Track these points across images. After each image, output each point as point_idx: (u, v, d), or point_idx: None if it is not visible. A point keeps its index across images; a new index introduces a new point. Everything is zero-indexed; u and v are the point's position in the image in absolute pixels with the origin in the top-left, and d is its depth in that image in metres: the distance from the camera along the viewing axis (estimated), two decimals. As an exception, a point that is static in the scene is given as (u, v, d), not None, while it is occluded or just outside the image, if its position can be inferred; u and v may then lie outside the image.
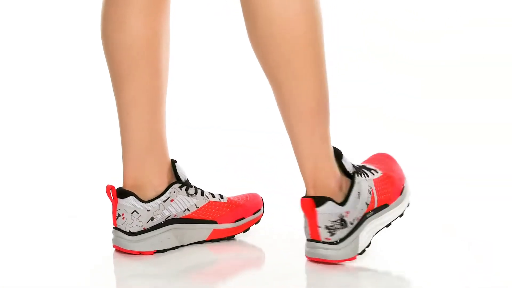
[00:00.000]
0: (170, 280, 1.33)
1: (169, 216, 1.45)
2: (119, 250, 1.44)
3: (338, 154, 1.39)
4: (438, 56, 2.69)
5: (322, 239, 1.36)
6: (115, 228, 1.45)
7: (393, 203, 1.42)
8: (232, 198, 1.52)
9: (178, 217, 1.46)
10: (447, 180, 2.06)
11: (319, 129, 1.36)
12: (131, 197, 1.43)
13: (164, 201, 1.45)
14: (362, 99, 2.63)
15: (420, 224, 1.62)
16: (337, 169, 1.38)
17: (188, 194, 1.47)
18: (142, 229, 1.43)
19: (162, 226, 1.44)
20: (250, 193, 1.55)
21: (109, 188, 1.44)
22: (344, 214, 1.36)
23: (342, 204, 1.36)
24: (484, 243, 1.49)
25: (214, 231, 1.48)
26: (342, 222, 1.36)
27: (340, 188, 1.38)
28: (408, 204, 1.45)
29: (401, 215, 1.44)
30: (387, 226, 1.42)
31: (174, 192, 1.45)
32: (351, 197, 1.37)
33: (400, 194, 1.44)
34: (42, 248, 1.51)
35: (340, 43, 2.69)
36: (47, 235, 1.59)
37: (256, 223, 1.53)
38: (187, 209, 1.47)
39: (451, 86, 2.64)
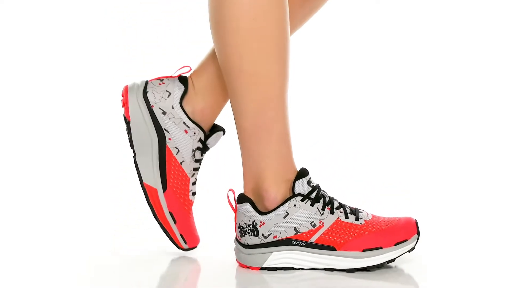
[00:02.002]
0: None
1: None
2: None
3: (301, 174, 1.31)
4: (438, 56, 2.68)
5: (237, 236, 1.33)
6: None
7: (347, 252, 1.28)
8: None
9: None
10: (447, 180, 2.06)
11: (268, 146, 1.30)
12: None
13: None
14: (362, 99, 2.63)
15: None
16: (283, 185, 1.31)
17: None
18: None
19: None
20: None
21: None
22: (258, 222, 1.30)
23: (260, 213, 1.30)
24: (484, 243, 1.49)
25: None
26: (253, 230, 1.30)
27: (275, 204, 1.31)
28: (372, 268, 1.29)
29: (352, 270, 1.29)
30: (347, 271, 1.30)
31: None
32: (274, 212, 1.29)
33: (370, 253, 1.29)
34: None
35: (339, 43, 2.69)
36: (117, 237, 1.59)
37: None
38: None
39: (451, 86, 2.63)
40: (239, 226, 1.32)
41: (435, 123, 2.51)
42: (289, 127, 1.32)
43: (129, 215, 1.75)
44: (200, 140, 1.37)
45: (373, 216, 1.32)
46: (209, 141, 1.41)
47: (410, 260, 1.34)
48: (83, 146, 2.40)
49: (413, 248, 1.30)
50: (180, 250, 1.41)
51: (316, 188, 1.31)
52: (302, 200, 1.30)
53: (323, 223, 1.29)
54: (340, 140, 2.45)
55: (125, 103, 1.38)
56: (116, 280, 1.30)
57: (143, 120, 1.36)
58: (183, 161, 1.37)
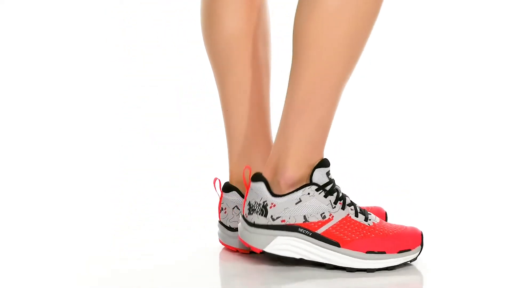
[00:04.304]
0: (272, 283, 1.29)
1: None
2: (222, 244, 1.44)
3: (322, 163, 1.33)
4: (437, 56, 2.69)
5: (244, 213, 1.34)
6: (219, 221, 1.44)
7: (351, 251, 1.30)
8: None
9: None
10: (447, 180, 2.06)
11: (304, 127, 1.32)
12: (234, 192, 1.41)
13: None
14: (361, 99, 2.63)
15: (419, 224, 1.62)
16: (303, 169, 1.32)
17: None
18: None
19: None
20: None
21: (215, 181, 1.43)
22: (269, 203, 1.31)
23: (273, 194, 1.31)
24: (484, 244, 1.49)
25: None
26: (263, 210, 1.31)
27: (290, 185, 1.32)
28: (372, 271, 1.31)
29: (352, 270, 1.31)
30: (347, 270, 1.31)
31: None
32: (287, 196, 1.30)
33: (373, 256, 1.31)
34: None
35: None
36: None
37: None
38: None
39: (450, 86, 2.63)
40: (249, 204, 1.32)
41: (435, 123, 2.51)
42: (333, 117, 1.33)
43: (130, 216, 1.75)
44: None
45: (381, 221, 1.34)
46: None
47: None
48: (84, 146, 2.40)
49: (414, 259, 1.32)
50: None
51: (332, 181, 1.32)
52: (316, 190, 1.31)
53: (333, 216, 1.31)
54: (340, 139, 2.45)
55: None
56: (116, 280, 1.30)
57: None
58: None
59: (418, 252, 1.32)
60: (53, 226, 1.67)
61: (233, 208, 1.41)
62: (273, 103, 1.47)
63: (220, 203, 1.43)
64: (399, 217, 1.58)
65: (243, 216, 1.34)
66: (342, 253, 1.30)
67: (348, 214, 1.32)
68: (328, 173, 1.33)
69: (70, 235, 1.60)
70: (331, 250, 1.30)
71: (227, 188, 1.43)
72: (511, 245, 1.49)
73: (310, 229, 1.30)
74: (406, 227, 1.34)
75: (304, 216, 1.30)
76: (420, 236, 1.33)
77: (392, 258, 1.31)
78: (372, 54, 2.66)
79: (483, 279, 1.29)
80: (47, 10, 2.66)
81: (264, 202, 1.31)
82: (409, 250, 1.32)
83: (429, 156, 2.30)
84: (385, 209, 1.50)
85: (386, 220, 1.44)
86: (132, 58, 2.63)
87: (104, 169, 2.23)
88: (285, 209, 1.31)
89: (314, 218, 1.30)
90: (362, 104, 2.60)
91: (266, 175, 1.33)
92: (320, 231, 1.30)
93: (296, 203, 1.30)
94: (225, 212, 1.42)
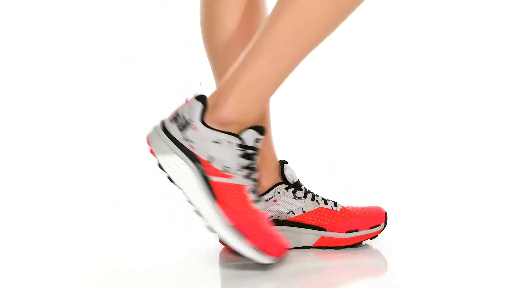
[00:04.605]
0: (271, 284, 1.29)
1: (271, 217, 1.42)
2: (222, 244, 1.44)
3: (258, 128, 1.33)
4: (437, 56, 2.69)
5: (167, 118, 1.34)
6: None
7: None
8: (348, 208, 1.45)
9: (282, 219, 1.43)
10: (438, 177, 2.06)
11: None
12: None
13: (267, 200, 1.42)
14: (360, 100, 2.63)
15: (419, 224, 1.63)
16: (235, 114, 1.31)
17: (295, 197, 1.43)
18: None
19: None
20: (374, 206, 1.47)
21: None
22: (192, 125, 1.31)
23: (202, 121, 1.31)
24: (483, 243, 1.49)
25: (322, 238, 1.43)
26: (184, 126, 1.31)
27: (218, 123, 1.31)
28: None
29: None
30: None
31: (278, 192, 1.43)
32: (211, 131, 1.30)
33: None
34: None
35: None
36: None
37: (371, 238, 1.45)
38: (292, 211, 1.43)
39: (443, 83, 2.64)
40: (177, 113, 1.32)
41: (427, 120, 2.51)
42: (286, 76, 1.32)
43: (130, 216, 1.75)
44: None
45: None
46: (287, 176, 1.43)
47: (404, 261, 1.36)
48: (84, 146, 2.40)
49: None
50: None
51: (256, 149, 1.34)
52: (240, 147, 1.32)
53: (233, 176, 1.31)
54: (331, 136, 2.46)
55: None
56: (116, 280, 1.30)
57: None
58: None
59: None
60: (53, 226, 1.67)
61: None
62: (272, 103, 1.47)
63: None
64: (397, 216, 1.58)
65: (163, 121, 1.33)
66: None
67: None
68: (257, 140, 1.32)
69: (70, 235, 1.60)
70: (205, 208, 1.30)
71: None
72: (506, 241, 1.49)
73: (205, 170, 1.30)
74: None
75: (210, 156, 1.30)
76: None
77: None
78: (367, 51, 2.67)
79: (481, 278, 1.30)
80: (47, 10, 2.67)
81: (189, 120, 1.31)
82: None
83: (420, 153, 2.31)
84: (385, 208, 1.50)
85: (386, 220, 1.45)
86: (132, 58, 2.63)
87: (104, 169, 2.24)
88: (201, 139, 1.30)
89: (217, 166, 1.30)
90: (353, 100, 2.60)
91: (208, 100, 1.32)
92: (211, 178, 1.30)
93: (214, 142, 1.30)
94: None
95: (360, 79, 2.66)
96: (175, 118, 1.33)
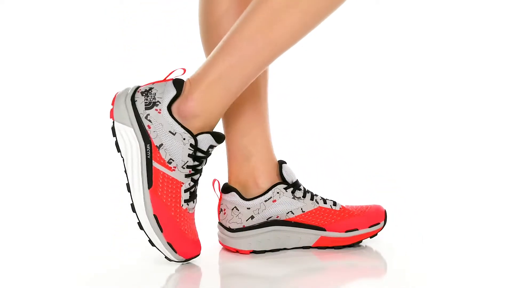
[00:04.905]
0: (272, 284, 1.29)
1: (270, 217, 1.42)
2: (221, 245, 1.45)
3: (216, 135, 1.34)
4: (437, 56, 2.69)
5: (142, 86, 1.35)
6: (219, 222, 1.44)
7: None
8: (347, 207, 1.45)
9: (281, 219, 1.43)
10: (446, 180, 2.06)
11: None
12: (233, 193, 1.42)
13: (266, 201, 1.42)
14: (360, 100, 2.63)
15: (418, 224, 1.63)
16: (203, 104, 1.32)
17: (294, 197, 1.43)
18: (242, 226, 1.41)
19: (264, 226, 1.42)
20: (373, 205, 1.48)
21: (214, 182, 1.44)
22: (155, 109, 1.32)
23: (170, 105, 1.32)
24: (483, 243, 1.49)
25: (322, 238, 1.43)
26: (151, 102, 1.32)
27: (182, 113, 1.33)
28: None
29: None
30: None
31: (277, 192, 1.43)
32: (171, 119, 1.31)
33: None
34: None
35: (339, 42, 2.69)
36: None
37: (371, 237, 1.46)
38: (291, 211, 1.43)
39: (440, 83, 2.64)
40: (150, 89, 1.33)
41: (427, 120, 2.51)
42: (253, 76, 1.32)
43: (130, 216, 1.75)
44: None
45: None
46: (286, 176, 1.44)
47: (403, 260, 1.36)
48: (83, 146, 2.40)
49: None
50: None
51: (212, 148, 1.35)
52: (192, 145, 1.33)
53: (174, 168, 1.32)
54: (331, 136, 2.46)
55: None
56: (116, 281, 1.30)
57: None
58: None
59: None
60: (53, 226, 1.67)
61: (232, 209, 1.41)
62: (270, 103, 1.48)
63: (219, 204, 1.43)
64: (397, 216, 1.58)
65: (136, 88, 1.34)
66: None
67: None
68: (211, 147, 1.33)
69: (70, 235, 1.60)
70: (136, 188, 1.32)
71: (226, 189, 1.43)
72: (506, 241, 1.49)
73: (153, 154, 1.31)
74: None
75: (161, 143, 1.31)
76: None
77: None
78: (367, 51, 2.67)
79: (481, 278, 1.30)
80: (47, 10, 2.67)
81: (158, 101, 1.32)
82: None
83: (420, 153, 2.31)
84: (384, 207, 1.50)
85: (385, 218, 1.45)
86: (132, 58, 2.63)
87: (104, 169, 2.23)
88: (160, 124, 1.31)
89: (164, 155, 1.31)
90: (361, 103, 2.60)
91: (184, 88, 1.32)
92: (154, 164, 1.31)
93: (169, 132, 1.31)
94: (224, 213, 1.43)
95: (360, 79, 2.66)
96: (147, 92, 1.34)
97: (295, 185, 1.43)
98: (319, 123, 2.53)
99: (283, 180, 1.44)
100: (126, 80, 2.63)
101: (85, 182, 2.11)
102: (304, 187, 1.44)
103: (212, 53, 1.33)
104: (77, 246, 1.51)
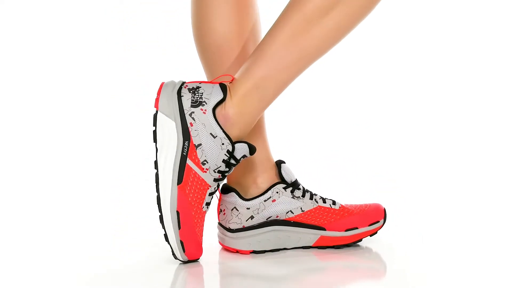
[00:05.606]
0: (272, 284, 1.29)
1: (270, 217, 1.42)
2: (221, 245, 1.45)
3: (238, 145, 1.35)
4: (437, 56, 2.69)
5: (189, 82, 1.36)
6: (218, 223, 1.45)
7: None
8: (346, 206, 1.45)
9: (281, 218, 1.43)
10: (446, 180, 2.06)
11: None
12: (232, 193, 1.42)
13: (265, 201, 1.42)
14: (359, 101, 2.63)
15: (417, 225, 1.63)
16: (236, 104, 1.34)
17: (293, 196, 1.43)
18: (241, 226, 1.41)
19: (264, 226, 1.42)
20: (372, 203, 1.48)
21: None
22: (201, 108, 1.33)
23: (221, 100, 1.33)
24: (483, 243, 1.49)
25: (322, 237, 1.43)
26: (198, 101, 1.33)
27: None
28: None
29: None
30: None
31: (277, 192, 1.43)
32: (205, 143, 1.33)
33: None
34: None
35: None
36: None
37: (371, 235, 1.45)
38: (290, 211, 1.43)
39: (440, 83, 2.64)
40: (198, 87, 1.34)
41: (427, 120, 2.51)
42: (286, 84, 1.34)
43: (130, 216, 1.75)
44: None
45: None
46: (285, 176, 1.44)
47: (403, 260, 1.36)
48: (83, 146, 2.40)
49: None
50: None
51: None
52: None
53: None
54: (331, 136, 2.46)
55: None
56: (116, 281, 1.30)
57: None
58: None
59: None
60: (53, 226, 1.67)
61: (232, 210, 1.41)
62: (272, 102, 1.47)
63: (219, 205, 1.44)
64: (397, 216, 1.58)
65: (184, 83, 1.35)
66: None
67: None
68: (244, 156, 1.34)
69: (70, 234, 1.60)
70: (166, 180, 1.32)
71: (226, 189, 1.43)
72: (506, 241, 1.49)
73: (189, 152, 1.32)
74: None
75: (200, 143, 1.32)
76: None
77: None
78: (367, 51, 2.67)
79: (481, 278, 1.30)
80: (47, 10, 2.66)
81: (204, 101, 1.32)
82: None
83: (419, 154, 2.31)
84: (384, 205, 1.51)
85: (385, 216, 1.45)
86: (132, 58, 2.63)
87: (104, 169, 2.23)
88: (203, 124, 1.32)
89: (200, 155, 1.32)
90: (361, 103, 2.60)
91: (228, 92, 1.34)
92: (189, 161, 1.32)
93: (210, 134, 1.32)
94: (224, 214, 1.43)
95: (360, 79, 2.66)
96: (194, 90, 1.34)
97: (294, 185, 1.43)
98: (319, 123, 2.53)
99: (282, 180, 1.44)
100: (126, 80, 2.64)
101: (85, 182, 2.11)
102: (303, 187, 1.44)
103: (248, 62, 1.34)
104: (77, 246, 1.51)
